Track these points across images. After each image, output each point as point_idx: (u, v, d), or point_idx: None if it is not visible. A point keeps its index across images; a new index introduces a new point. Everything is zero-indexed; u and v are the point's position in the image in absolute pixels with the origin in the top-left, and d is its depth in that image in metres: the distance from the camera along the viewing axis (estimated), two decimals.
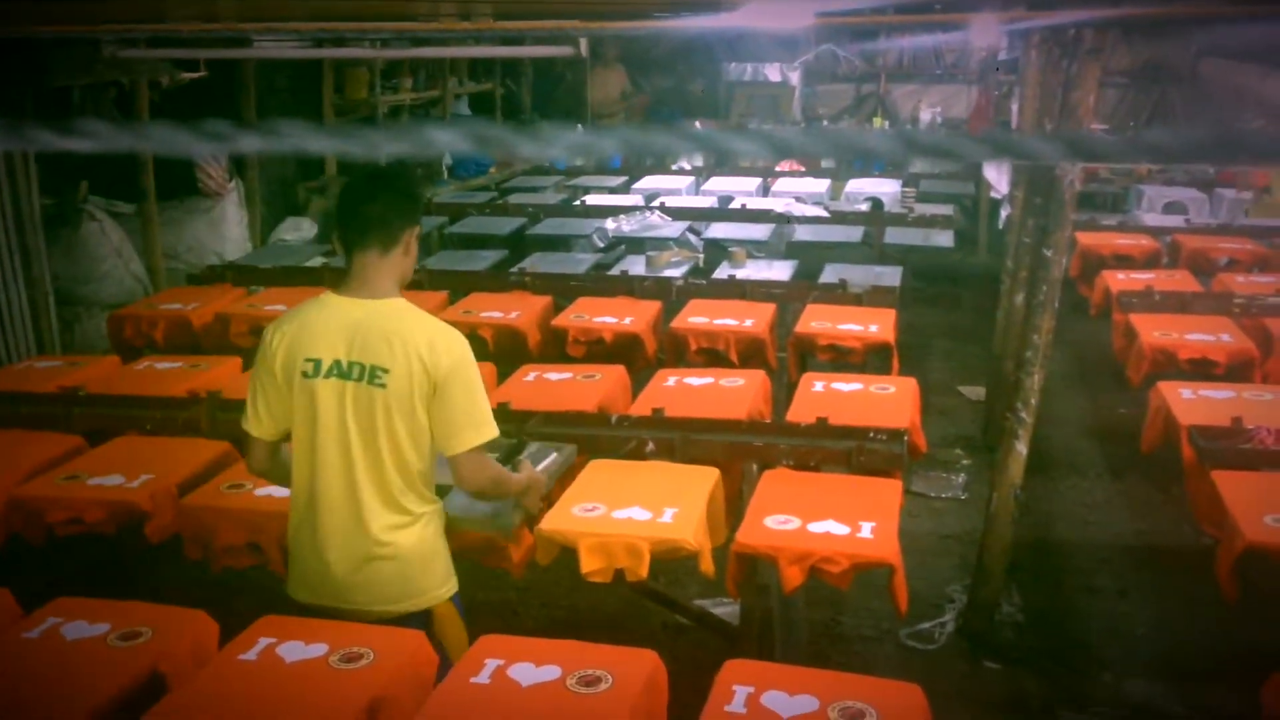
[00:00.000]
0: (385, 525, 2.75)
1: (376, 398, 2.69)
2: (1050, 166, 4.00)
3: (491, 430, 2.76)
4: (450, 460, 2.76)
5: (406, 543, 2.78)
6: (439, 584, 2.87)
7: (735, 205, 8.57)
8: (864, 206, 8.62)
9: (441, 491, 3.01)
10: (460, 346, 2.74)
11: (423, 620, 2.83)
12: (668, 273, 6.54)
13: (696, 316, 5.47)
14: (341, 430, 2.71)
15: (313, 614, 2.80)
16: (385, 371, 2.67)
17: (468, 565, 3.39)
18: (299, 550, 2.85)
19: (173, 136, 0.94)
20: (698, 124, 10.84)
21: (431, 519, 2.84)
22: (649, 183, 9.67)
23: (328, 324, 2.72)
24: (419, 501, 2.80)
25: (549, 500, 3.48)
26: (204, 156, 7.91)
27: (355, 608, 2.79)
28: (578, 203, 8.85)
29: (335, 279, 2.91)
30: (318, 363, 2.70)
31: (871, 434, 3.89)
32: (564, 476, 3.67)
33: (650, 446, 3.92)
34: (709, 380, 4.60)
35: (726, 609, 4.03)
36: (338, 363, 2.69)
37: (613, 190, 9.57)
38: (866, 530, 3.27)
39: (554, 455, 3.49)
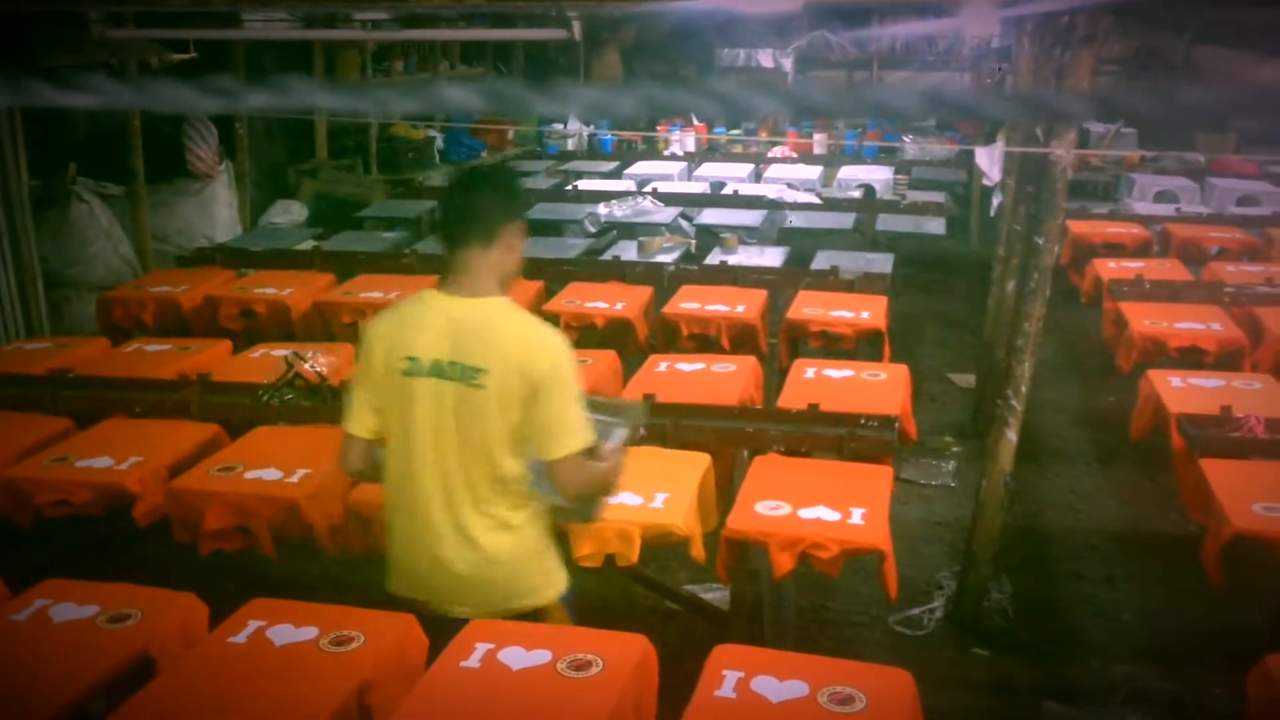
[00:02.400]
0: (480, 529, 2.66)
1: (474, 398, 2.60)
2: (1044, 154, 4.00)
3: (589, 435, 2.65)
4: (548, 466, 2.63)
5: (504, 546, 2.68)
6: (545, 584, 2.77)
7: (727, 191, 8.57)
8: (856, 193, 8.62)
9: None
10: (559, 348, 2.63)
11: (532, 618, 2.74)
12: (660, 258, 6.53)
13: (688, 302, 5.47)
14: (437, 431, 2.63)
15: (406, 608, 2.72)
16: (483, 372, 2.58)
17: None
18: (394, 545, 2.77)
19: (176, 93, 0.91)
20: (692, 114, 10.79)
21: (530, 521, 2.73)
22: (641, 168, 9.65)
23: (427, 322, 2.64)
24: (514, 506, 2.69)
25: None
26: (193, 138, 7.86)
27: (462, 606, 2.71)
28: (570, 188, 8.83)
29: (431, 266, 2.87)
30: (416, 360, 2.62)
31: (862, 421, 3.89)
32: None
33: (642, 432, 3.91)
34: (700, 366, 4.60)
35: (717, 594, 4.04)
36: (436, 362, 2.61)
37: (605, 175, 9.55)
38: (857, 516, 3.28)
39: (623, 431, 3.28)
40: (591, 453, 2.68)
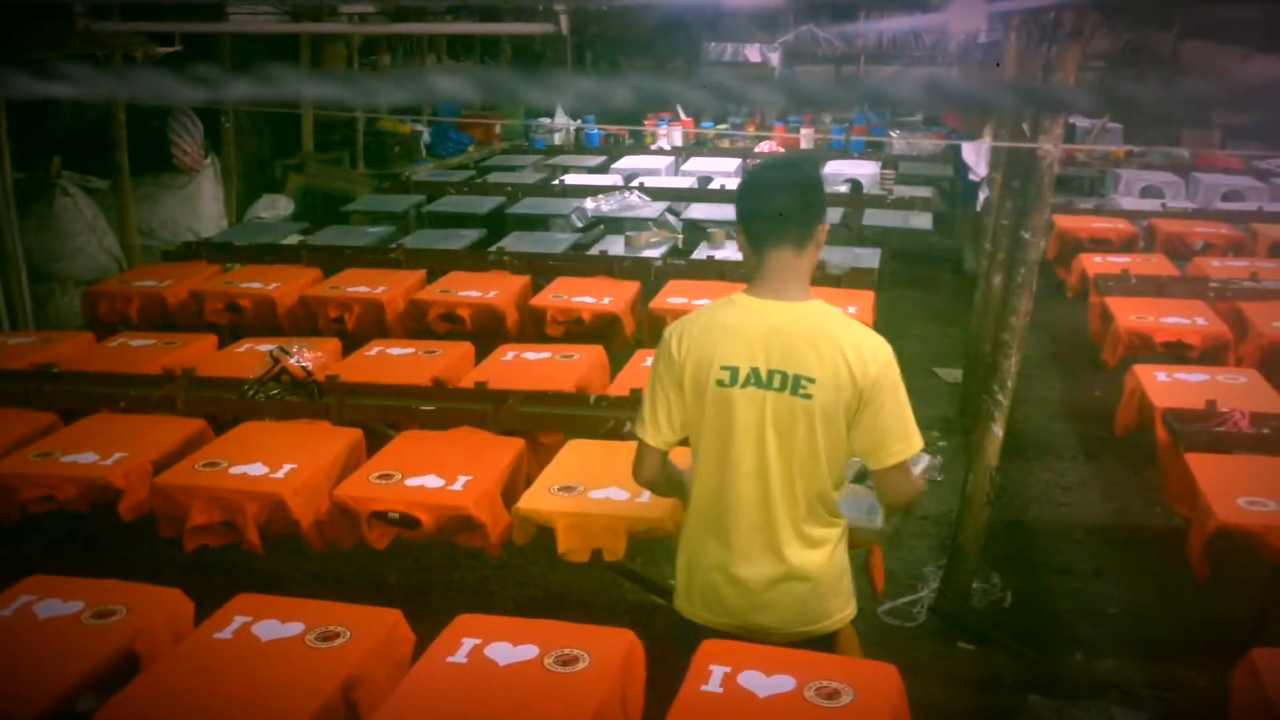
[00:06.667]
0: (798, 544, 2.54)
1: (798, 408, 2.45)
2: (1031, 148, 4.01)
3: (919, 440, 2.52)
4: (877, 474, 2.53)
5: (818, 562, 2.56)
6: (844, 605, 2.65)
7: (714, 186, 8.56)
8: (843, 188, 8.62)
9: None
10: (886, 351, 2.50)
11: (824, 643, 2.63)
12: (646, 253, 6.53)
13: (675, 297, 5.47)
14: (759, 443, 2.48)
15: (709, 635, 2.58)
16: (811, 381, 2.44)
17: (444, 545, 3.38)
18: (699, 567, 2.62)
19: (157, 82, 0.89)
20: (679, 108, 10.81)
21: (839, 539, 2.62)
22: (628, 163, 9.65)
23: (744, 328, 2.47)
24: (828, 520, 2.58)
25: None
26: (179, 132, 7.82)
27: (763, 628, 2.58)
28: (556, 182, 8.82)
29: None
30: (734, 370, 2.47)
31: None
32: (543, 457, 3.67)
33: (628, 426, 3.91)
34: None
35: None
36: (755, 371, 2.46)
37: (592, 170, 9.55)
38: None
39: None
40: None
